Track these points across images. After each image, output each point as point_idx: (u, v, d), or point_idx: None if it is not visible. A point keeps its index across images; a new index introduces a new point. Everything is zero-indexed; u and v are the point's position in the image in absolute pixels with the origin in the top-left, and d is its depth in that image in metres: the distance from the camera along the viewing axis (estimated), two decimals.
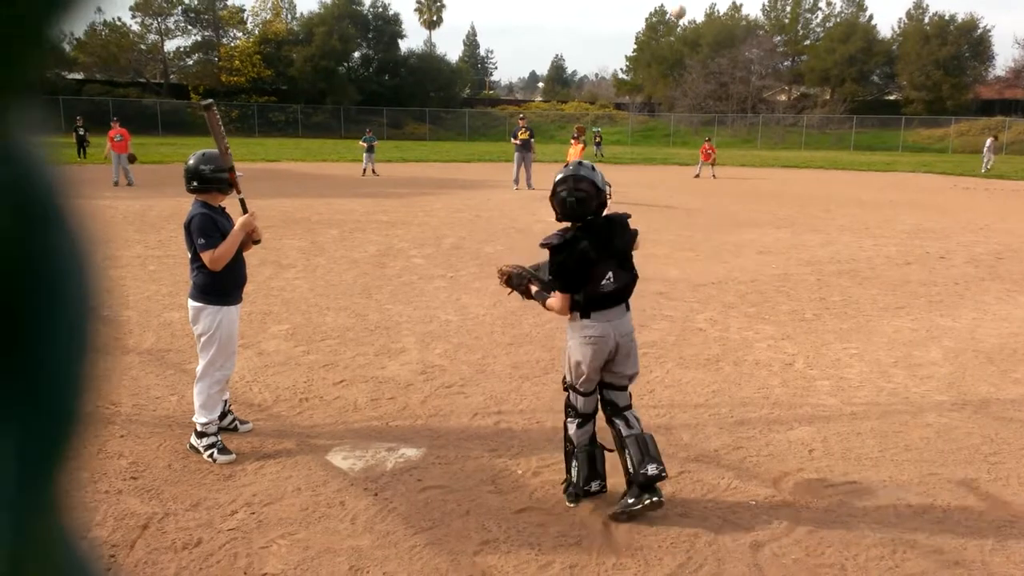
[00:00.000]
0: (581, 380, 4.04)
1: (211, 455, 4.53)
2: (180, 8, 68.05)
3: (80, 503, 3.84)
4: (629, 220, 4.13)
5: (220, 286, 4.56)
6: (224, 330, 4.59)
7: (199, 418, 4.59)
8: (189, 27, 69.06)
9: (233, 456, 4.55)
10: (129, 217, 14.86)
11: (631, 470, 3.93)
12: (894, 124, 60.82)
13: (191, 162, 4.59)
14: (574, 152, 19.98)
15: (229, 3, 69.21)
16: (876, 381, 6.22)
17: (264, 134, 60.26)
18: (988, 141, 36.53)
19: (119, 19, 67.32)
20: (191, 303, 4.61)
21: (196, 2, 68.15)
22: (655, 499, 3.88)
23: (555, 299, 4.00)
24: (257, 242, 4.72)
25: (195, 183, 4.56)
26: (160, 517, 3.89)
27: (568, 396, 4.14)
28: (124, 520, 3.84)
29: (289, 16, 72.93)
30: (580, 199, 3.93)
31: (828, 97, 69.60)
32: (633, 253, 4.14)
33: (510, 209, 17.82)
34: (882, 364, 6.67)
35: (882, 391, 6.00)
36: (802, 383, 6.16)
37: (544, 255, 4.08)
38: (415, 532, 3.80)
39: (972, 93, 65.99)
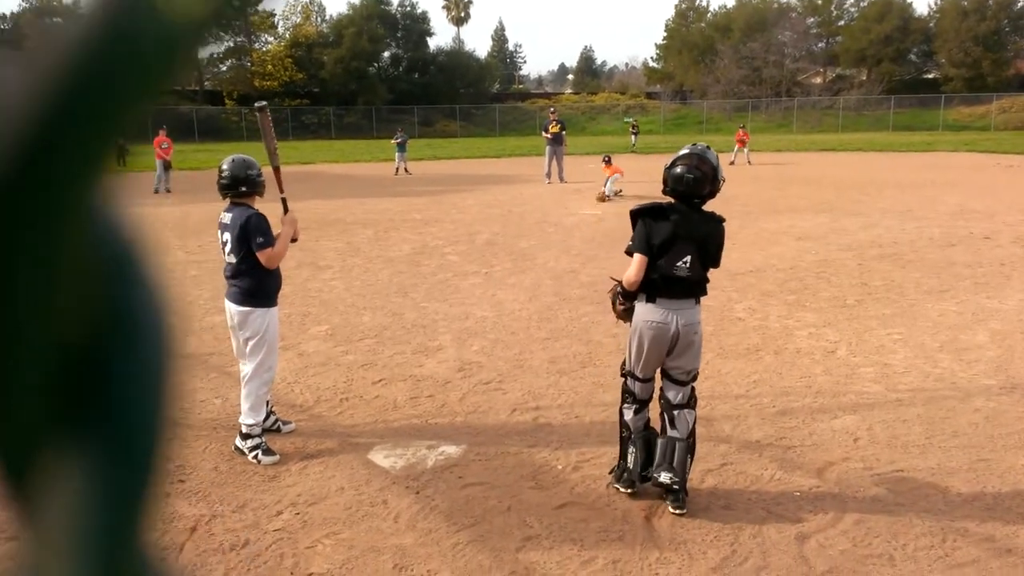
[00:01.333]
0: (639, 366, 4.01)
1: (256, 456, 4.60)
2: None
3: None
4: (723, 224, 4.12)
5: (267, 288, 4.68)
6: (272, 331, 4.72)
7: (246, 419, 4.66)
8: (221, 33, 70.02)
9: (277, 457, 4.62)
10: (170, 223, 15.12)
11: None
12: (933, 103, 59.46)
13: (233, 167, 4.67)
14: (610, 172, 18.99)
15: (260, 8, 70.00)
16: (921, 366, 6.10)
17: (298, 137, 60.88)
18: None
19: None
20: (236, 308, 4.68)
21: (228, 9, 69.02)
22: (677, 510, 3.87)
23: (631, 265, 3.94)
24: (294, 240, 4.84)
25: (244, 187, 4.65)
26: (208, 519, 3.96)
27: (625, 381, 4.11)
28: (172, 523, 3.92)
29: (319, 19, 73.60)
30: (697, 178, 3.91)
31: (864, 78, 68.24)
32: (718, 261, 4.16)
33: (542, 204, 17.79)
34: (927, 349, 6.54)
35: (928, 376, 5.88)
36: (845, 371, 6.06)
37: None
38: (457, 529, 3.82)
39: (1014, 68, 64.22)
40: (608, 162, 19.22)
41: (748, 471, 4.38)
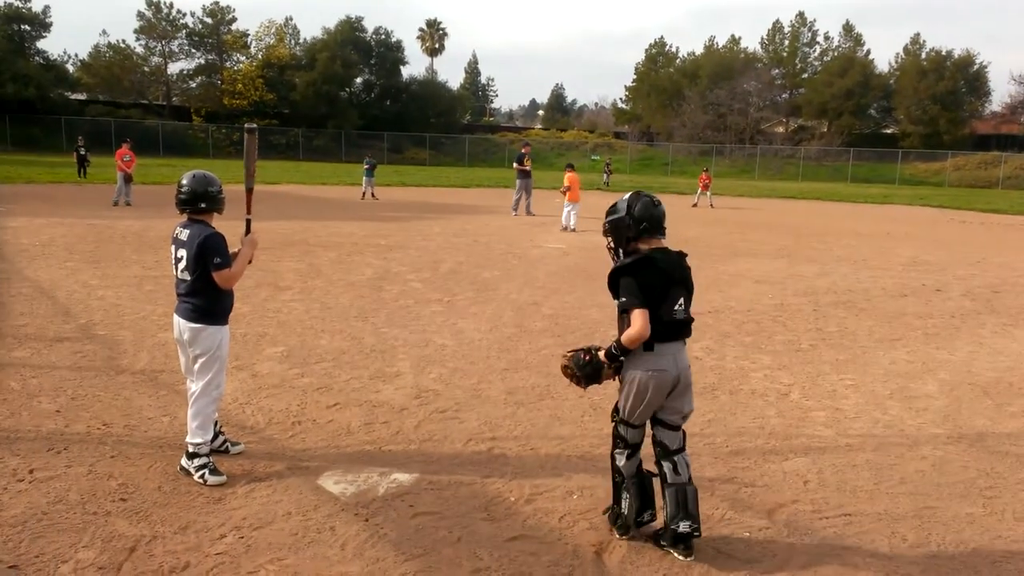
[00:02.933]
0: (637, 413, 3.89)
1: (202, 476, 4.49)
2: (184, 32, 68.68)
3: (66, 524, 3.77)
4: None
5: (222, 306, 4.61)
6: (224, 350, 4.64)
7: (194, 439, 4.55)
8: (193, 50, 69.66)
9: (224, 478, 4.51)
10: (128, 237, 14.86)
11: (665, 519, 3.90)
12: (891, 157, 61.27)
13: (193, 183, 4.54)
14: (567, 180, 19.82)
15: (233, 28, 69.84)
16: (872, 413, 6.20)
17: (264, 157, 60.34)
18: None
19: (123, 41, 68.00)
20: (187, 324, 4.57)
21: (200, 26, 68.77)
22: (686, 556, 3.83)
23: (635, 322, 3.71)
24: (250, 262, 4.78)
25: (203, 204, 4.56)
26: (148, 540, 3.84)
27: (617, 427, 3.99)
28: (111, 542, 3.80)
29: (292, 41, 73.64)
30: (664, 214, 3.90)
31: (825, 130, 70.16)
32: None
33: (508, 235, 17.86)
34: (878, 396, 6.65)
35: (878, 423, 5.98)
36: (798, 413, 6.13)
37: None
38: (406, 559, 3.75)
39: (968, 128, 66.63)
40: (571, 167, 20.90)
41: (700, 510, 4.38)
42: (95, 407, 5.69)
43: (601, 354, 3.89)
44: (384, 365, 7.06)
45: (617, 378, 3.95)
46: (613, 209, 3.94)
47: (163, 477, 4.55)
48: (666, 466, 3.91)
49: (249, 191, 4.67)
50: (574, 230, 18.90)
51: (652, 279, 3.76)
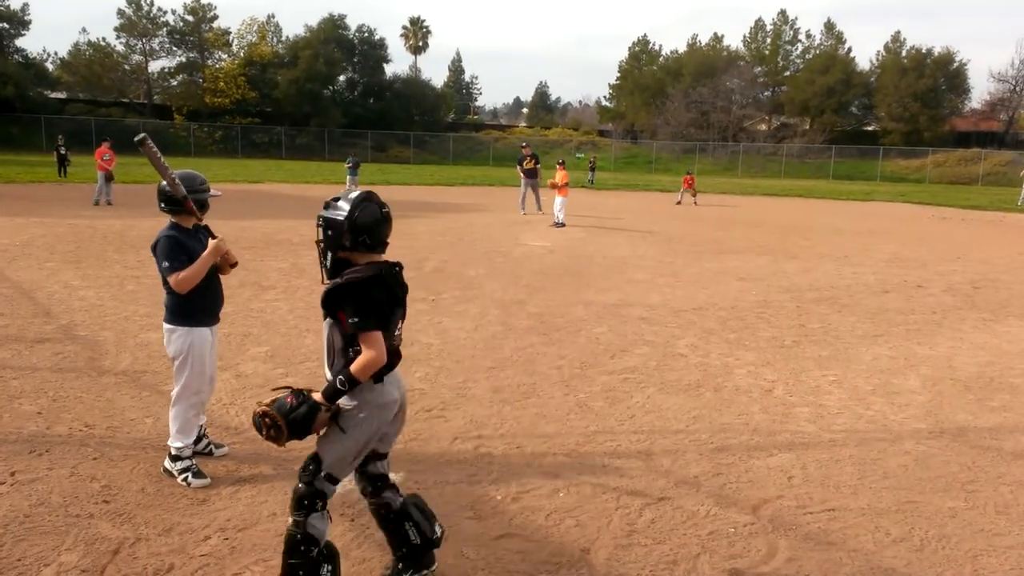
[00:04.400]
0: (351, 462, 3.31)
1: (185, 479, 4.45)
2: (165, 29, 68.14)
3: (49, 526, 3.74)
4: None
5: (190, 307, 4.46)
6: (196, 353, 4.49)
7: (175, 442, 4.52)
8: (174, 48, 69.14)
9: (208, 480, 4.49)
10: (109, 237, 14.73)
11: (425, 536, 3.47)
12: (872, 154, 61.75)
13: (161, 184, 4.52)
14: (559, 178, 20.10)
15: (215, 25, 69.37)
16: (855, 408, 6.25)
17: (247, 155, 60.16)
18: None
19: (103, 39, 67.40)
20: (164, 325, 4.55)
21: (181, 24, 68.26)
22: (434, 568, 3.56)
23: (372, 346, 3.10)
24: (234, 265, 4.66)
25: (164, 204, 4.51)
26: (132, 542, 3.81)
27: (313, 486, 3.24)
28: (95, 545, 3.77)
29: (275, 39, 73.21)
30: (391, 218, 3.33)
31: (807, 127, 70.59)
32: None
33: (493, 233, 17.86)
34: (861, 391, 6.70)
35: (860, 418, 6.03)
36: (782, 410, 6.17)
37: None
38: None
39: (948, 125, 67.23)
40: (562, 164, 21.13)
41: (685, 506, 4.41)
42: (77, 408, 5.63)
43: (317, 395, 3.17)
44: None
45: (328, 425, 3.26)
46: (335, 206, 3.26)
47: (146, 479, 4.52)
48: (388, 495, 3.50)
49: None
50: (563, 224, 19.18)
51: (383, 297, 3.21)
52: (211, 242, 4.44)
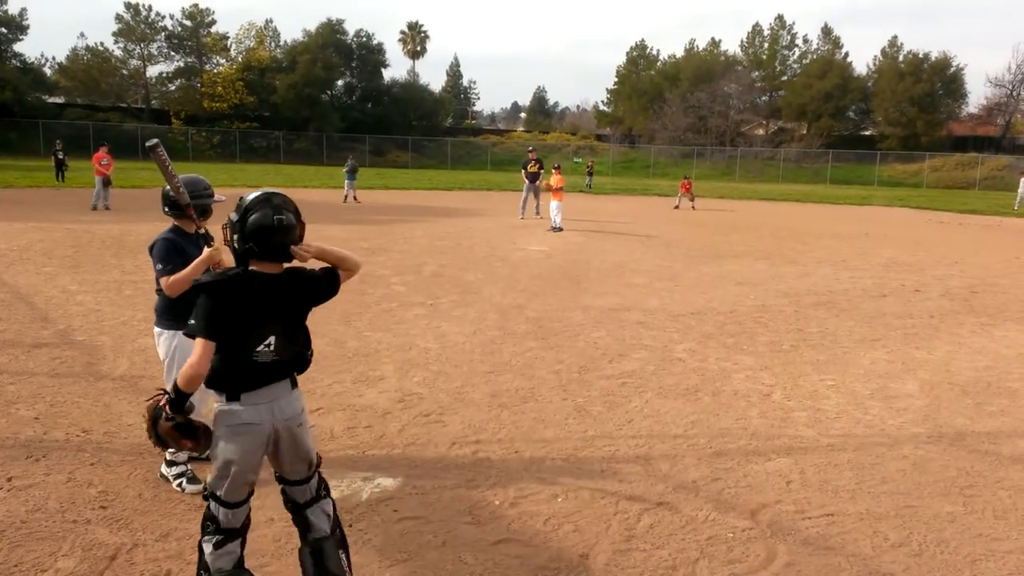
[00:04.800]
0: (225, 485, 3.07)
1: (180, 484, 4.45)
2: (163, 34, 68.17)
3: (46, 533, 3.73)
4: (325, 278, 3.29)
5: (176, 310, 4.36)
6: (181, 357, 4.37)
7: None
8: (172, 53, 69.16)
9: (202, 486, 4.47)
10: (107, 242, 14.72)
11: None
12: (869, 159, 61.84)
13: (166, 187, 4.52)
14: (555, 181, 20.17)
15: (213, 30, 69.42)
16: (853, 413, 6.25)
17: (245, 160, 60.16)
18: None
19: (101, 44, 67.43)
20: (154, 328, 4.59)
21: (179, 29, 68.29)
22: None
23: (192, 356, 2.89)
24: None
25: (167, 208, 4.53)
26: (129, 548, 3.80)
27: (209, 506, 3.12)
28: (92, 551, 3.76)
29: (273, 44, 73.28)
30: (287, 227, 3.00)
31: (805, 132, 70.70)
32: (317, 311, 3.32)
33: (491, 238, 17.86)
34: (858, 396, 6.70)
35: (859, 423, 6.03)
36: (780, 414, 6.17)
37: None
38: (390, 564, 3.74)
39: (945, 130, 67.34)
40: (558, 168, 21.21)
41: (683, 510, 4.41)
42: (74, 414, 5.62)
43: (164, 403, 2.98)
44: (367, 369, 7.04)
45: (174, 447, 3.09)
46: (236, 205, 3.07)
47: (143, 484, 4.51)
48: (299, 522, 3.33)
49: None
50: (561, 229, 19.21)
51: (237, 305, 2.95)
52: (206, 249, 4.35)
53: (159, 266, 4.35)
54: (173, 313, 4.43)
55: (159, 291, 4.46)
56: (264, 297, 3.00)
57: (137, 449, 5.02)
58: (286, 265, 3.14)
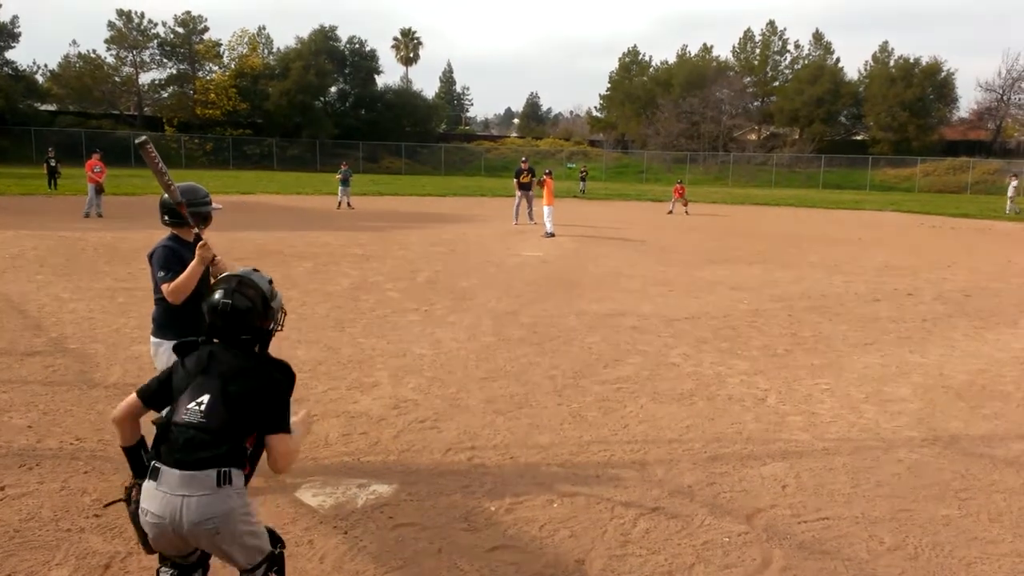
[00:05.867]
0: (147, 549, 2.87)
1: None
2: (156, 41, 68.09)
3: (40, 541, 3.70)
4: (288, 375, 2.97)
5: (175, 320, 4.38)
6: None
7: None
8: (164, 60, 69.06)
9: None
10: (100, 249, 14.67)
11: None
12: (862, 164, 62.10)
13: (164, 196, 4.50)
14: (548, 185, 20.17)
15: (205, 37, 69.38)
16: (847, 416, 6.26)
17: (239, 167, 60.12)
18: (1013, 182, 35.05)
19: (93, 51, 67.31)
20: (151, 338, 4.55)
21: (172, 36, 68.22)
22: None
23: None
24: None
25: (167, 217, 4.49)
26: (123, 556, 3.78)
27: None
28: (86, 559, 3.73)
29: (266, 51, 73.28)
30: (239, 310, 2.83)
31: (797, 137, 70.98)
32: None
33: (486, 243, 17.86)
34: (853, 400, 6.72)
35: (853, 427, 6.04)
36: (775, 418, 6.17)
37: None
38: (386, 571, 3.73)
39: (937, 134, 67.68)
40: (549, 174, 20.87)
41: (679, 515, 4.40)
42: (67, 422, 5.60)
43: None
44: (362, 375, 7.02)
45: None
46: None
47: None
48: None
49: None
50: (552, 234, 19.21)
51: (168, 369, 2.96)
52: (197, 250, 4.31)
53: (161, 273, 4.32)
54: (173, 324, 4.40)
55: (159, 300, 4.42)
56: (199, 364, 2.84)
57: None
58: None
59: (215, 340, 2.90)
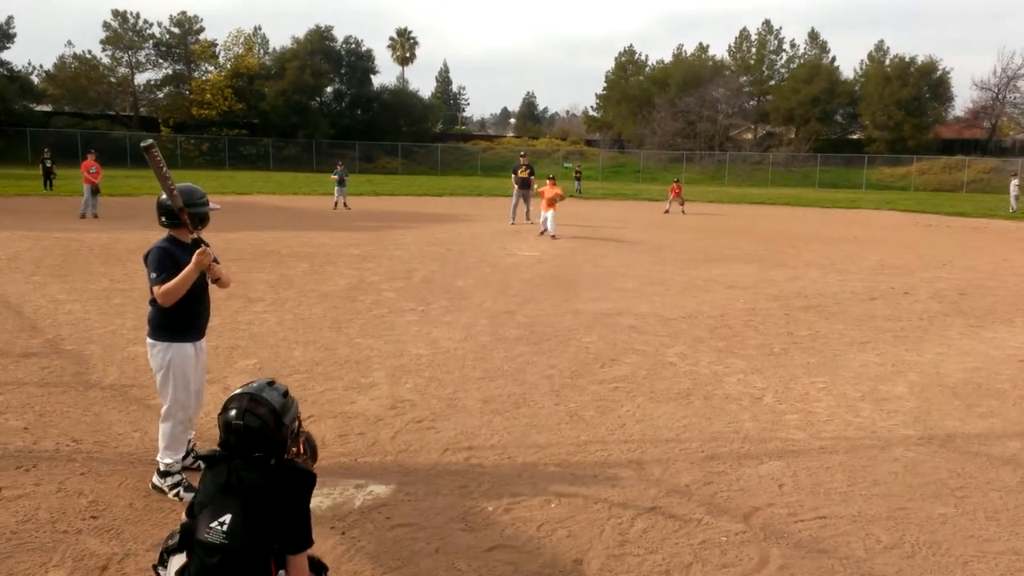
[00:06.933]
0: None
1: (177, 493, 4.41)
2: (151, 42, 67.98)
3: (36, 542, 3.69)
4: (308, 482, 2.94)
5: (170, 322, 4.41)
6: (176, 369, 4.43)
7: (164, 458, 4.48)
8: (160, 60, 68.97)
9: None
10: (96, 250, 14.65)
11: None
12: (857, 162, 62.20)
13: (161, 197, 4.49)
14: (549, 191, 19.95)
15: (201, 37, 69.28)
16: (844, 415, 6.27)
17: (234, 167, 60.06)
18: (1013, 181, 35.14)
19: (89, 51, 67.19)
20: (147, 339, 4.54)
21: (168, 36, 68.11)
22: None
23: None
24: (216, 281, 4.49)
25: (164, 218, 4.48)
26: (120, 558, 3.78)
27: None
28: (83, 561, 3.73)
29: (261, 51, 73.20)
30: (251, 429, 2.81)
31: (793, 136, 71.09)
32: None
33: (482, 243, 17.86)
34: (849, 398, 6.73)
35: (850, 425, 6.05)
36: (771, 417, 6.18)
37: None
38: (384, 572, 3.73)
39: (932, 133, 67.82)
40: (552, 180, 20.61)
41: (676, 514, 4.41)
42: (64, 423, 5.58)
43: None
44: (359, 376, 7.02)
45: None
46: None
47: (134, 494, 4.48)
48: None
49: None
50: (555, 236, 19.14)
51: (205, 480, 2.90)
52: (195, 255, 4.30)
53: (153, 275, 4.30)
54: (167, 325, 4.41)
55: (153, 301, 4.41)
56: (212, 482, 2.85)
57: (128, 459, 4.99)
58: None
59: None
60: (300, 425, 3.10)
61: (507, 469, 5.02)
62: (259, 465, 2.84)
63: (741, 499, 4.65)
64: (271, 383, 2.97)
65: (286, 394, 2.97)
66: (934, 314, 10.62)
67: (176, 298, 4.29)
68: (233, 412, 2.83)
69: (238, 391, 2.92)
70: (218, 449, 2.90)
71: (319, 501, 4.46)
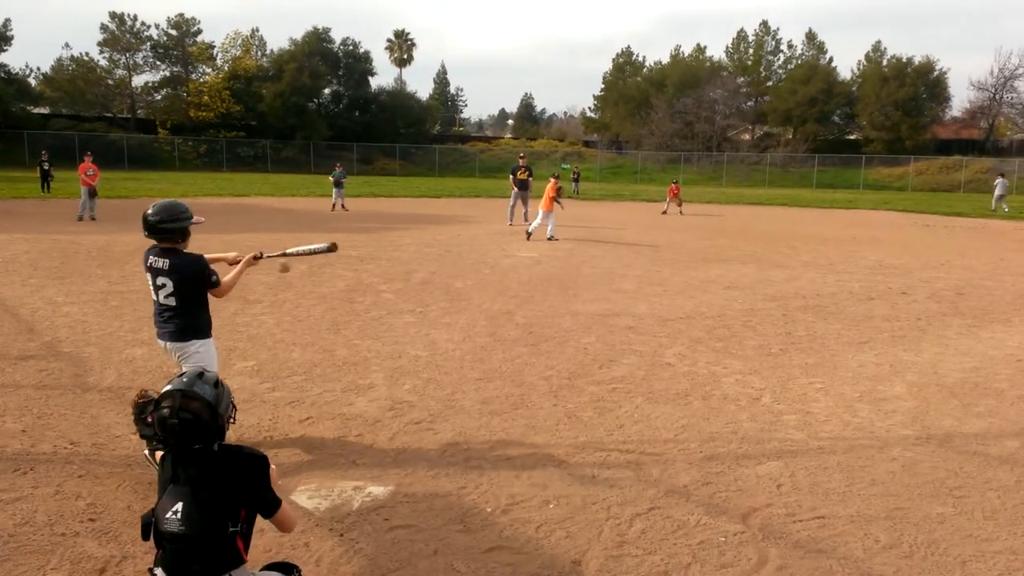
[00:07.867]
0: None
1: None
2: (148, 44, 67.92)
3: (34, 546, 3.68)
4: (257, 465, 2.97)
5: (206, 321, 4.90)
6: (214, 357, 4.93)
7: None
8: (157, 62, 68.90)
9: None
10: (93, 252, 14.63)
11: None
12: (855, 163, 62.26)
13: (162, 213, 4.59)
14: (549, 189, 19.93)
15: (199, 39, 69.24)
16: (842, 415, 6.28)
17: (232, 169, 60.01)
18: (999, 180, 35.15)
19: (86, 54, 67.13)
20: (176, 344, 4.76)
21: (165, 38, 68.07)
22: None
23: None
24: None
25: (171, 234, 4.66)
26: (118, 560, 3.77)
27: None
28: (81, 564, 3.72)
29: (259, 52, 73.17)
30: (187, 423, 2.84)
31: (791, 136, 71.15)
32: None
33: (480, 244, 17.86)
34: (847, 398, 6.73)
35: (848, 425, 6.05)
36: (769, 417, 6.19)
37: None
38: (382, 574, 3.72)
39: (930, 133, 67.89)
40: (556, 179, 20.51)
41: (675, 515, 4.41)
42: (62, 426, 5.58)
43: None
44: (357, 377, 7.02)
45: None
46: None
47: (132, 496, 4.48)
48: None
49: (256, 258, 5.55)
50: (555, 239, 19.02)
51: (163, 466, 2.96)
52: (245, 257, 5.26)
53: (214, 278, 4.75)
54: (205, 324, 4.93)
55: (189, 309, 4.73)
56: (177, 475, 2.88)
57: (125, 461, 4.99)
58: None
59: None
60: (235, 410, 3.13)
61: (505, 470, 5.02)
62: (200, 456, 2.88)
63: (739, 499, 4.65)
64: (200, 375, 2.99)
65: (217, 383, 2.99)
66: (932, 314, 10.63)
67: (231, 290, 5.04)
68: (167, 411, 2.85)
69: (168, 387, 2.92)
70: (158, 444, 2.99)
71: (317, 503, 4.46)
